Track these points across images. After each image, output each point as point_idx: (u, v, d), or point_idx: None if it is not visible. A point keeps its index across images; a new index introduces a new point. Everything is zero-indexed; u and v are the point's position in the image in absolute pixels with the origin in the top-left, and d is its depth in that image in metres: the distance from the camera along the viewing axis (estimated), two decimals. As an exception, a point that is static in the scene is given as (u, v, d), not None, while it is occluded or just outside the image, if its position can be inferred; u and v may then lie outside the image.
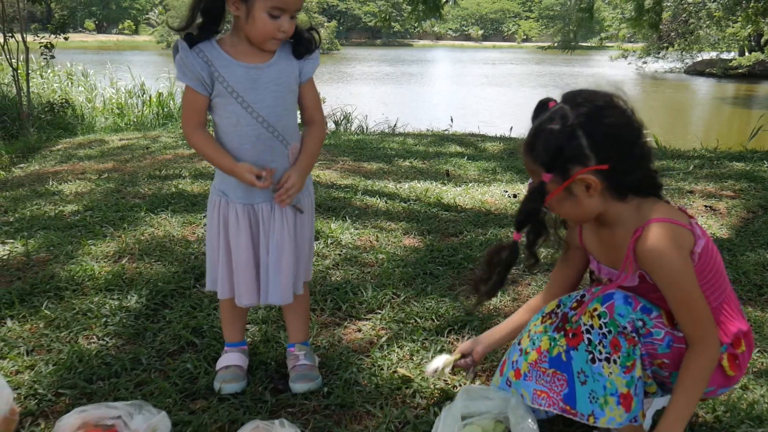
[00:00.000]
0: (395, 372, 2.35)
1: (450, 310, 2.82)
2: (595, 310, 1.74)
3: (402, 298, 2.96)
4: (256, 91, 1.98)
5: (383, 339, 2.56)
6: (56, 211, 4.18)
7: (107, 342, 2.53)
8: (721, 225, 4.09)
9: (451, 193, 4.84)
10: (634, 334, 1.71)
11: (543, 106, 1.80)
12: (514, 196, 4.86)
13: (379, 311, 2.84)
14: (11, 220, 4.06)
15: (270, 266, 2.10)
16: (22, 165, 6.83)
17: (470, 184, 5.17)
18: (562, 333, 1.79)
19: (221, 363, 2.26)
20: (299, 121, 2.18)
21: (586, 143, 1.67)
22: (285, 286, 2.12)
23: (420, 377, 2.30)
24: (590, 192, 1.71)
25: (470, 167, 5.88)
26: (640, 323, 1.71)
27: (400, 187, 5.00)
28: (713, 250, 1.73)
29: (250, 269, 2.10)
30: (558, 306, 1.88)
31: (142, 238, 3.60)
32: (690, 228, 1.69)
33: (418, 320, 2.75)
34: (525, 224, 1.83)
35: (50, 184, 5.12)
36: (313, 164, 2.15)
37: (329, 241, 3.65)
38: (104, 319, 2.67)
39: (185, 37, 1.95)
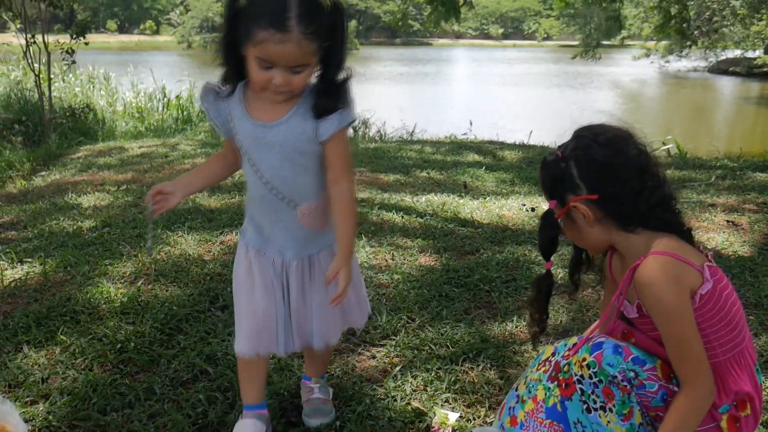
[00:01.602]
0: (408, 404, 2.33)
1: (465, 337, 2.80)
2: (584, 360, 1.71)
3: (417, 322, 2.94)
4: (260, 150, 1.87)
5: (397, 369, 2.54)
6: (74, 227, 4.21)
7: (122, 369, 2.54)
8: (744, 242, 4.02)
9: (468, 207, 4.81)
10: (626, 384, 1.68)
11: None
12: (533, 209, 4.82)
13: (394, 337, 2.82)
14: (30, 236, 4.09)
15: (313, 315, 2.04)
16: (43, 173, 6.90)
17: (488, 197, 5.14)
18: (556, 383, 1.77)
19: (235, 430, 2.12)
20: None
21: (576, 173, 1.73)
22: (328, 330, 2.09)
23: (432, 411, 2.28)
24: (588, 220, 1.73)
25: (488, 178, 5.85)
26: (632, 374, 1.68)
27: (417, 201, 4.98)
28: (727, 300, 1.69)
29: (269, 317, 2.00)
30: (553, 354, 1.87)
31: (158, 257, 3.61)
32: (699, 269, 1.65)
33: (433, 347, 2.72)
34: (549, 251, 1.84)
35: (69, 196, 5.16)
36: (353, 241, 1.96)
37: (345, 261, 3.64)
38: (119, 345, 2.68)
39: (210, 83, 1.92)
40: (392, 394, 2.39)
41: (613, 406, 1.70)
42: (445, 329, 2.87)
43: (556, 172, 1.75)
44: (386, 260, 3.70)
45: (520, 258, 3.73)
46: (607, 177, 1.71)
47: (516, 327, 2.91)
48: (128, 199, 4.98)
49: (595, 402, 1.71)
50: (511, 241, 4.05)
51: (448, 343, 2.76)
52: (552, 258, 1.85)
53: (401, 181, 5.72)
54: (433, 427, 2.20)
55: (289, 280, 2.00)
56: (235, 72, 1.85)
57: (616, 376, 1.68)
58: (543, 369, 1.86)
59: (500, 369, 2.57)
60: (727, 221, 4.43)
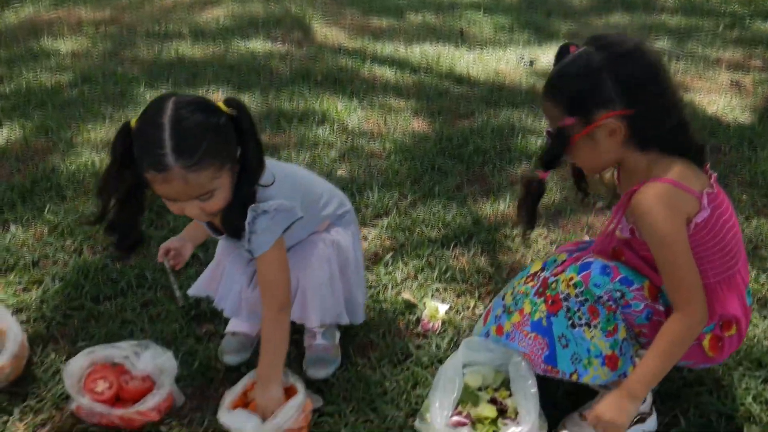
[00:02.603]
0: (399, 294, 2.35)
1: (457, 218, 2.78)
2: (571, 279, 1.71)
3: (409, 200, 2.90)
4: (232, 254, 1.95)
5: (389, 255, 2.54)
6: (53, 82, 4.03)
7: (112, 253, 2.52)
8: (745, 107, 3.91)
9: (464, 61, 4.61)
10: (611, 303, 1.70)
11: (564, 50, 1.69)
12: (531, 63, 4.64)
13: (385, 216, 2.80)
14: (8, 91, 3.92)
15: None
16: (16, 4, 6.51)
17: (485, 48, 4.92)
18: (543, 299, 1.77)
19: (230, 326, 2.15)
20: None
21: (612, 86, 1.59)
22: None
23: (423, 302, 2.31)
24: (613, 138, 1.62)
25: (486, 24, 5.56)
26: (618, 294, 1.69)
27: (411, 52, 4.76)
28: (723, 226, 1.64)
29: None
30: (542, 269, 1.86)
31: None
32: (698, 196, 1.60)
33: (424, 229, 2.71)
34: (549, 169, 1.73)
35: (45, 41, 4.90)
36: (273, 365, 1.81)
37: (335, 126, 3.54)
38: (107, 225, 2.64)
39: None
40: (383, 281, 2.41)
41: (598, 323, 1.72)
42: (437, 208, 2.85)
43: (584, 85, 1.60)
44: (378, 125, 3.60)
45: (516, 124, 3.63)
46: (644, 92, 1.59)
47: (508, 207, 2.89)
48: (108, 47, 4.74)
49: (580, 319, 1.72)
50: (507, 103, 3.93)
51: (439, 225, 2.74)
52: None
53: (395, 27, 5.44)
54: (423, 320, 2.24)
55: None
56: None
57: (601, 296, 1.69)
58: (531, 283, 1.85)
59: (491, 255, 2.58)
60: (731, 82, 4.29)
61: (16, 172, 3.04)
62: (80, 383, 1.87)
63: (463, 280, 2.43)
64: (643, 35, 5.20)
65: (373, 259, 2.55)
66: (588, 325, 1.72)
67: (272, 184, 1.70)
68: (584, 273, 1.70)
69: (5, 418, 1.87)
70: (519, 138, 3.47)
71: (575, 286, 1.71)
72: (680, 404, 1.91)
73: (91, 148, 3.22)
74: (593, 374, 1.75)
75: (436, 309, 2.27)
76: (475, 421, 1.78)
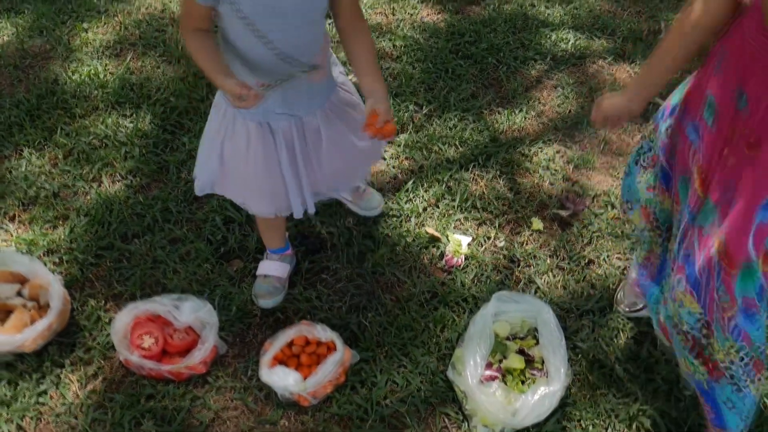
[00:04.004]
0: (423, 226, 2.40)
1: (474, 135, 2.77)
2: (731, 347, 1.50)
3: (424, 111, 2.87)
4: (270, 20, 1.60)
5: (409, 182, 2.55)
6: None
7: (131, 182, 2.52)
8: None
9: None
10: None
11: None
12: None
13: (403, 132, 2.78)
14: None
15: (332, 170, 1.95)
16: None
17: None
18: (701, 360, 1.58)
19: (261, 269, 2.19)
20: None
21: None
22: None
23: (446, 235, 2.37)
24: None
25: None
26: None
27: None
28: None
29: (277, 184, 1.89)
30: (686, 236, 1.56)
31: (140, 18, 3.32)
32: None
33: (442, 147, 2.71)
34: None
35: None
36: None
37: (342, 20, 3.39)
38: (123, 150, 2.62)
39: None
40: (405, 212, 2.45)
41: (763, 375, 1.56)
42: (453, 122, 2.82)
43: None
44: (386, 16, 3.45)
45: (528, 14, 3.49)
46: None
47: (525, 119, 2.87)
48: None
49: (745, 381, 1.56)
50: (519, -15, 3.75)
51: (456, 142, 2.74)
52: None
53: None
54: (447, 255, 2.31)
55: (305, 137, 1.87)
56: None
57: (764, 351, 1.51)
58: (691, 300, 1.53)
59: (509, 178, 2.60)
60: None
61: (17, 82, 2.94)
62: (127, 338, 1.96)
63: (483, 208, 2.48)
64: None
65: (393, 184, 2.57)
66: (753, 381, 1.56)
67: None
68: (742, 335, 1.48)
69: (58, 371, 1.97)
70: (533, 31, 3.36)
71: (738, 351, 1.51)
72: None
73: (92, 52, 3.09)
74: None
75: (459, 243, 2.33)
76: (505, 374, 1.91)
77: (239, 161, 1.87)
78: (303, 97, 1.80)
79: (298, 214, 1.95)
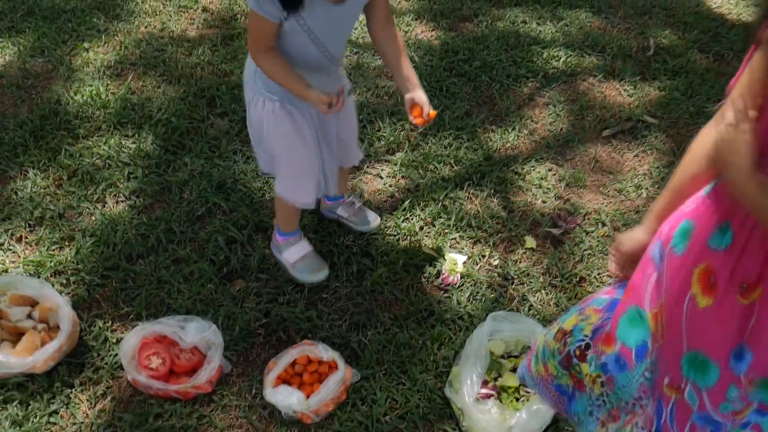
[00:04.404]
0: (419, 246, 2.48)
1: (468, 154, 2.84)
2: (598, 376, 1.44)
3: (420, 130, 2.94)
4: (330, 31, 1.86)
5: (406, 201, 2.62)
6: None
7: (135, 202, 2.58)
8: None
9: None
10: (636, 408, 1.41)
11: None
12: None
13: (398, 151, 2.85)
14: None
15: (347, 139, 2.22)
16: None
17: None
18: (568, 373, 1.54)
19: (294, 254, 2.34)
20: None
21: None
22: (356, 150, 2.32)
23: (442, 255, 2.44)
24: None
25: None
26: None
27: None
28: None
29: (317, 164, 2.14)
30: (570, 334, 1.54)
31: (140, 37, 3.38)
32: None
33: (437, 166, 2.78)
34: None
35: None
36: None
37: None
38: (126, 170, 2.68)
39: None
40: (402, 231, 2.52)
41: (612, 428, 1.48)
42: (448, 140, 2.90)
43: None
44: (381, 34, 3.52)
45: (520, 31, 3.58)
46: None
47: (517, 138, 2.94)
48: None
49: (598, 413, 1.50)
50: (511, 1, 3.83)
51: (452, 161, 2.81)
52: None
53: None
54: (443, 274, 2.38)
55: (326, 119, 2.09)
56: None
57: (627, 402, 1.42)
58: (558, 345, 1.55)
59: (503, 197, 2.68)
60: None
61: (20, 102, 3.00)
62: (135, 359, 2.02)
63: (478, 227, 2.56)
64: None
65: (390, 203, 2.64)
66: (603, 424, 1.50)
67: None
68: (608, 375, 1.41)
69: (68, 391, 2.03)
70: (524, 49, 3.44)
71: (601, 384, 1.45)
72: None
73: (93, 72, 3.15)
74: None
75: (455, 261, 2.41)
76: (500, 391, 1.99)
77: (293, 146, 2.07)
78: (330, 84, 2.01)
79: (325, 191, 2.21)
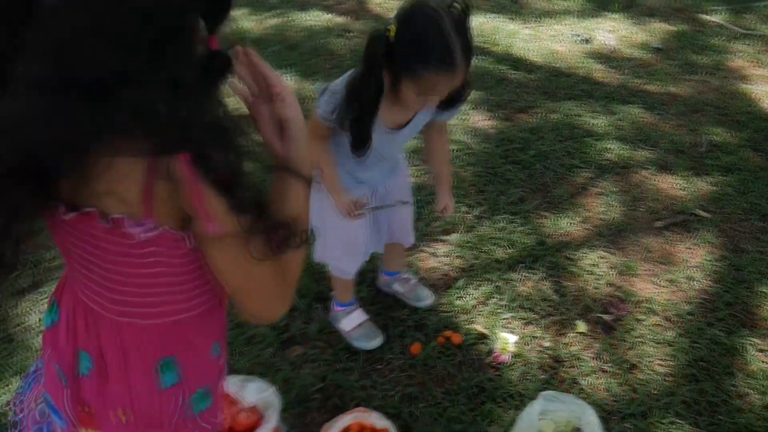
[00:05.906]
0: (472, 324, 2.55)
1: (522, 238, 2.93)
2: None
3: (475, 213, 3.05)
4: (387, 145, 2.05)
5: (460, 280, 2.71)
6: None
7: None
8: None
9: (520, 38, 4.63)
10: None
11: None
12: (587, 41, 4.65)
13: (454, 232, 2.96)
14: None
15: (398, 227, 2.40)
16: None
17: (541, 21, 4.91)
18: None
19: (350, 322, 2.47)
20: None
21: None
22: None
23: (494, 333, 2.50)
24: None
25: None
26: None
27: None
28: None
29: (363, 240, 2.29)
30: None
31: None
32: None
33: (491, 247, 2.88)
34: None
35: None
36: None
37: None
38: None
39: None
40: (456, 308, 2.60)
41: None
42: (502, 224, 3.00)
43: None
44: (440, 121, 3.70)
45: (574, 123, 3.72)
46: None
47: (570, 224, 3.03)
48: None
49: None
50: (565, 95, 4.00)
51: (505, 244, 2.90)
52: None
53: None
54: (494, 352, 2.44)
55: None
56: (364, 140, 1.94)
57: None
58: None
59: (555, 281, 2.74)
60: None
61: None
62: (197, 415, 2.11)
63: (530, 309, 2.62)
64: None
65: (445, 280, 2.73)
66: None
67: None
68: None
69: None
70: (578, 140, 3.57)
71: None
72: None
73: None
74: None
75: (507, 341, 2.46)
76: (549, 470, 2.01)
77: (338, 225, 2.19)
78: (385, 175, 2.26)
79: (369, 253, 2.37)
